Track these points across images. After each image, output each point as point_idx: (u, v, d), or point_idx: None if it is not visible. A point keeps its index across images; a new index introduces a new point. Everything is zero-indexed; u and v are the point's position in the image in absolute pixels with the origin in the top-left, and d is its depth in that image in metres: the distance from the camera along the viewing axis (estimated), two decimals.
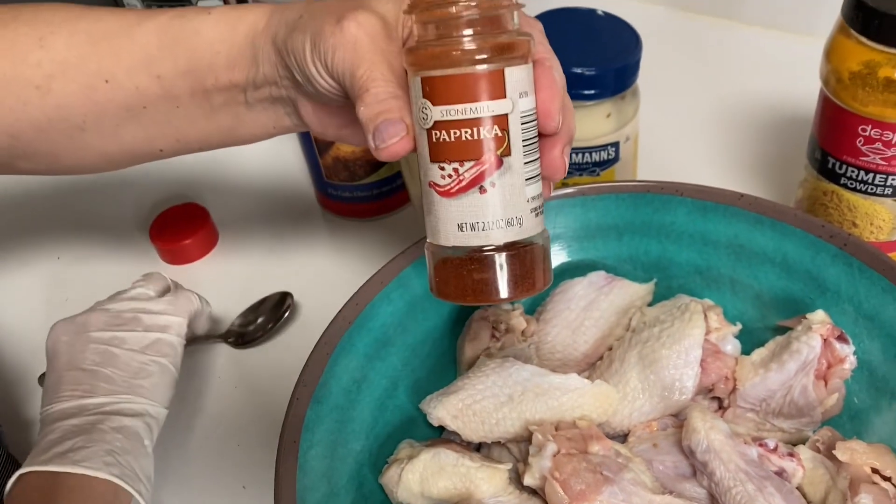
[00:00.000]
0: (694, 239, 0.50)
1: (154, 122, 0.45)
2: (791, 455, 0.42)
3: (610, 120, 0.55)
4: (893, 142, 0.46)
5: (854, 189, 0.50)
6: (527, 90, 0.35)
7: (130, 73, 0.43)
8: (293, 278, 0.63)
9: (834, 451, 0.40)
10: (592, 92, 0.53)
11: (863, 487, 0.38)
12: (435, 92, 0.34)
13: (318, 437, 0.43)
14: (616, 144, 0.57)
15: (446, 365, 0.50)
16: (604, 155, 0.57)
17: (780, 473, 0.41)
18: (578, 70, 0.53)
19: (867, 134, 0.47)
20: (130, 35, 0.43)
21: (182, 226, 0.66)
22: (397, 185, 0.66)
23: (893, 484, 0.39)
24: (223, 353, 0.60)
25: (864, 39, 0.45)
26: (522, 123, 0.35)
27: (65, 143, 0.45)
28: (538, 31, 0.39)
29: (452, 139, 0.35)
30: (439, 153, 0.35)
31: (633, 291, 0.51)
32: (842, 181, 0.50)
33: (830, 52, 0.47)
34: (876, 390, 0.45)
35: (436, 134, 0.35)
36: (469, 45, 0.34)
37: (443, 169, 0.35)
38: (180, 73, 0.43)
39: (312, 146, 0.63)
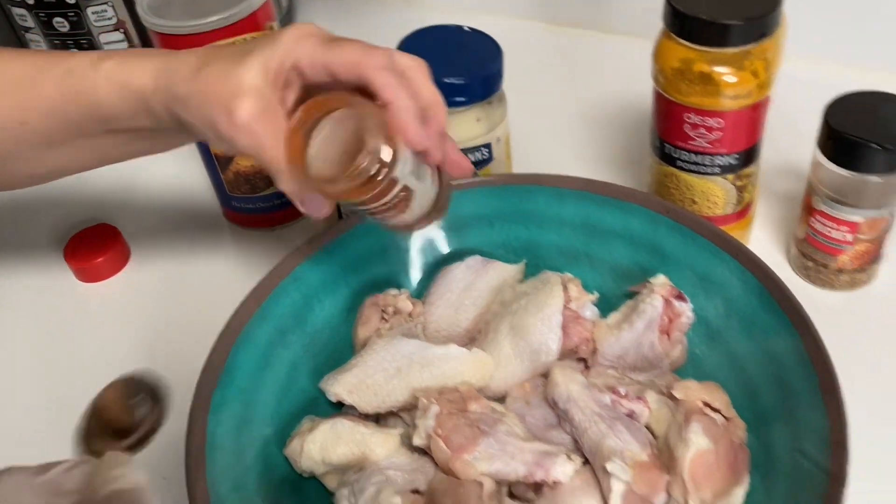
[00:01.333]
0: (554, 222, 0.57)
1: (75, 150, 0.49)
2: (639, 398, 0.48)
3: (480, 124, 0.62)
4: (713, 126, 0.54)
5: (688, 170, 0.57)
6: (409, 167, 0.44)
7: (42, 118, 0.47)
8: (203, 288, 0.68)
9: (672, 391, 0.47)
10: (462, 99, 0.59)
11: (693, 417, 0.45)
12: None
13: (225, 418, 0.47)
14: (489, 145, 0.63)
15: (344, 349, 0.55)
16: (478, 155, 0.63)
17: (631, 415, 0.48)
18: (448, 80, 0.59)
19: (692, 121, 0.54)
20: (34, 86, 0.47)
21: (95, 245, 0.70)
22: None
23: (722, 414, 0.46)
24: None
25: (680, 40, 0.52)
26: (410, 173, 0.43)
27: None
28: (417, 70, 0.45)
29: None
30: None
31: (506, 272, 0.57)
32: (678, 164, 0.57)
33: (656, 53, 0.55)
34: (712, 341, 0.52)
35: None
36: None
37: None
38: (88, 119, 0.47)
39: (214, 163, 0.68)
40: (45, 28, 0.78)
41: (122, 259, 0.71)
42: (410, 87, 0.44)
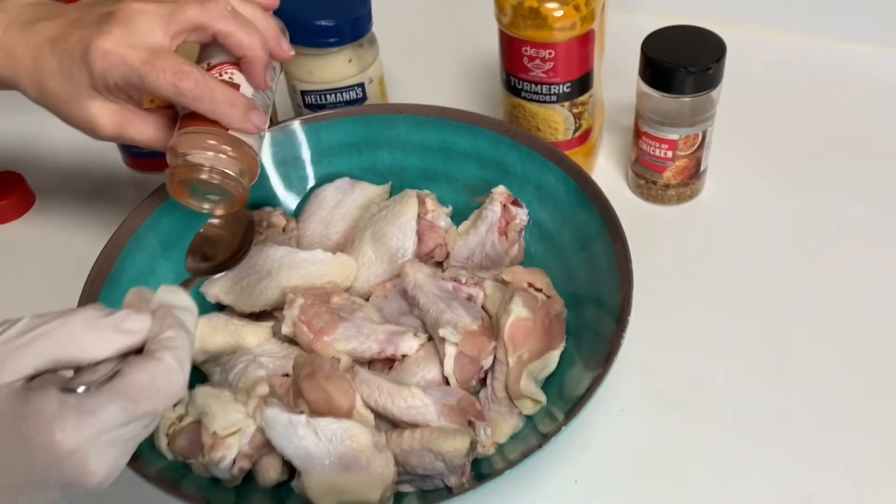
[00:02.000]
0: (415, 147, 0.64)
1: None
2: (477, 284, 0.56)
3: (352, 64, 0.68)
4: (546, 58, 0.62)
5: (531, 100, 0.65)
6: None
7: None
8: (105, 229, 0.73)
9: (503, 275, 0.55)
10: (333, 40, 0.66)
11: (516, 293, 0.53)
12: None
13: None
14: (361, 85, 0.70)
15: None
16: (352, 94, 0.70)
17: (469, 298, 0.56)
18: (319, 22, 0.65)
19: (528, 54, 0.62)
20: None
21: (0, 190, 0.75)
22: None
23: (544, 293, 0.54)
24: None
25: None
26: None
27: None
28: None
29: None
30: None
31: (372, 191, 0.64)
32: (522, 94, 0.65)
33: None
34: (544, 240, 0.60)
35: None
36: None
37: None
38: None
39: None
40: None
41: (26, 204, 0.76)
42: (247, 22, 0.49)
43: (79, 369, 0.36)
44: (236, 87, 0.49)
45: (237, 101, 0.48)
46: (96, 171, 0.79)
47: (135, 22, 0.47)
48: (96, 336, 0.36)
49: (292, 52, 0.53)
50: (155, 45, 0.47)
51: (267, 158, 0.63)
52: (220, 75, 0.50)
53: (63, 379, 0.35)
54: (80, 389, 0.34)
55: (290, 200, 0.65)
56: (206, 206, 0.50)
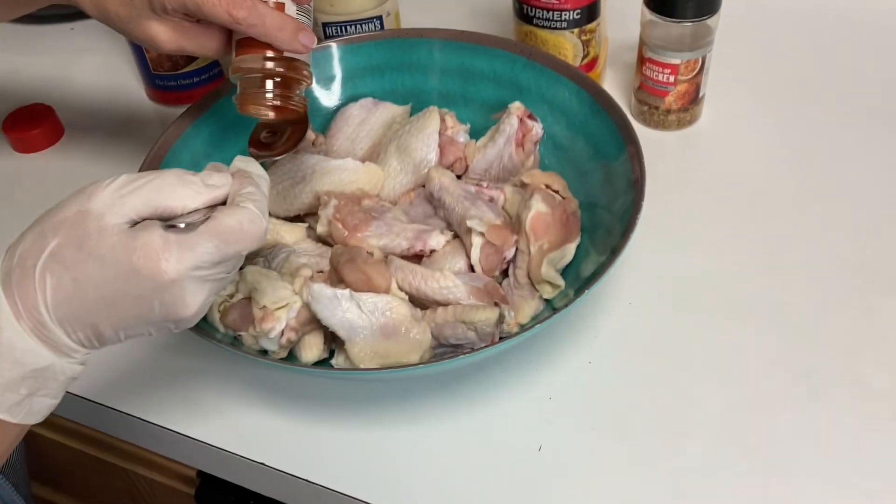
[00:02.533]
0: (435, 70, 0.68)
1: None
2: (498, 188, 0.60)
3: None
4: None
5: (542, 27, 0.69)
6: None
7: None
8: (130, 158, 0.77)
9: (522, 178, 0.59)
10: None
11: (535, 191, 0.57)
12: None
13: None
14: (380, 18, 0.74)
15: None
16: (371, 27, 0.74)
17: (491, 199, 0.60)
18: None
19: None
20: None
21: (31, 120, 0.78)
22: (215, 72, 0.80)
23: (560, 194, 0.59)
24: None
25: None
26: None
27: None
28: None
29: None
30: None
31: (394, 111, 0.68)
32: (534, 21, 0.69)
33: None
34: (558, 151, 0.64)
35: None
36: None
37: None
38: None
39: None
40: None
41: (55, 135, 0.80)
42: None
43: (172, 220, 0.40)
44: (282, 6, 0.53)
45: (286, 25, 0.51)
46: (122, 104, 0.83)
47: None
48: (187, 188, 0.40)
49: None
50: None
51: None
52: None
53: (163, 222, 0.39)
54: (181, 225, 0.39)
55: (316, 117, 0.68)
56: (271, 114, 0.53)
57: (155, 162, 0.59)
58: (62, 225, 0.38)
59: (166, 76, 0.79)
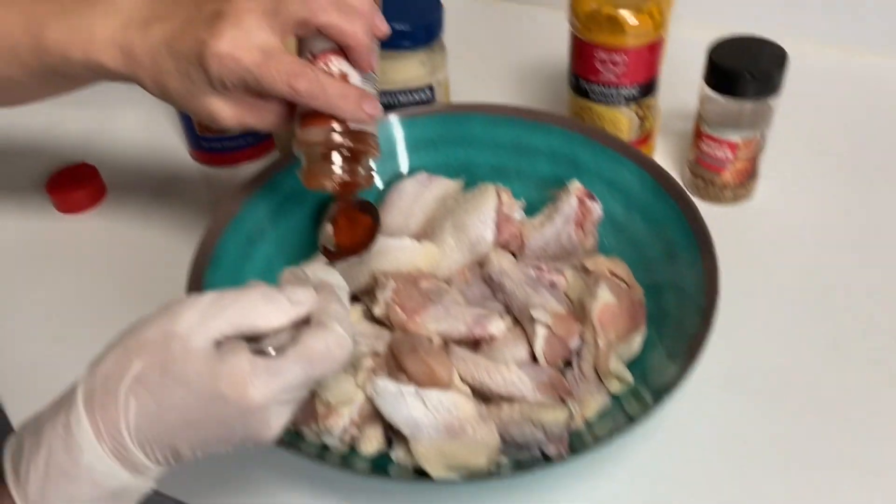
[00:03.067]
0: (488, 144, 0.67)
1: (31, 91, 0.58)
2: (559, 272, 0.59)
3: (424, 66, 0.71)
4: (618, 62, 0.65)
5: (599, 101, 0.69)
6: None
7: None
8: (173, 219, 0.76)
9: (585, 264, 0.58)
10: (408, 43, 0.70)
11: (601, 279, 0.56)
12: None
13: None
14: (431, 87, 0.73)
15: (311, 246, 0.64)
16: (422, 96, 0.73)
17: (552, 284, 0.59)
18: (396, 26, 0.69)
19: (600, 57, 0.66)
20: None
21: (75, 180, 0.78)
22: (261, 134, 0.80)
23: (625, 281, 0.57)
24: None
25: None
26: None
27: None
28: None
29: None
30: None
31: (448, 185, 0.67)
32: (590, 96, 0.69)
33: (572, 1, 0.66)
34: (618, 232, 0.63)
35: None
36: None
37: None
38: (51, 74, 0.55)
39: None
40: None
41: (99, 193, 0.79)
42: (347, 9, 0.51)
43: (256, 338, 0.39)
44: (345, 76, 0.52)
45: (349, 94, 0.50)
46: (165, 163, 0.82)
47: (244, 21, 0.49)
48: (273, 306, 0.39)
49: (388, 29, 0.54)
50: (266, 44, 0.49)
51: None
52: (328, 66, 0.52)
53: (249, 344, 0.38)
54: (271, 351, 0.38)
55: (369, 190, 0.67)
56: (337, 188, 0.52)
57: (212, 238, 0.58)
58: (146, 347, 0.37)
59: (212, 138, 0.79)
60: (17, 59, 0.54)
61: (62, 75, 0.54)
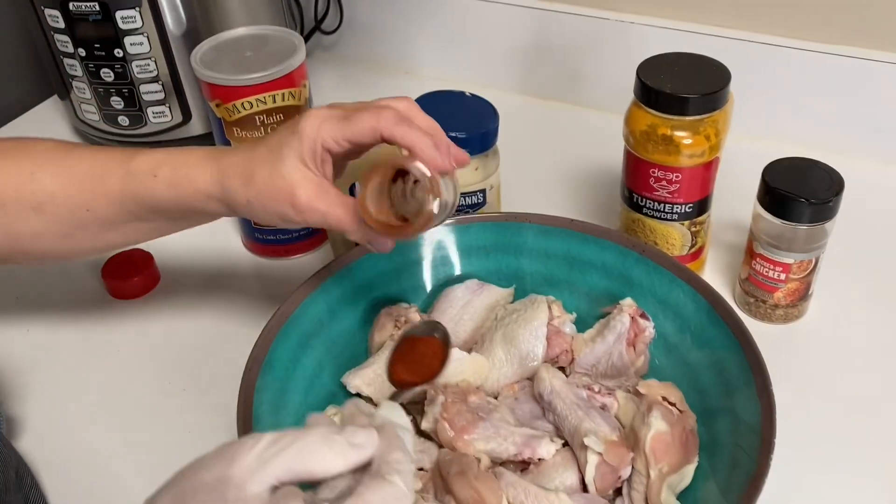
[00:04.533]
0: (540, 254, 0.68)
1: (131, 231, 0.59)
2: (610, 394, 0.59)
3: (478, 172, 0.73)
4: (673, 180, 0.66)
5: (652, 216, 0.69)
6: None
7: (106, 207, 0.57)
8: (226, 309, 0.77)
9: (638, 387, 0.58)
10: (465, 150, 0.71)
11: (654, 406, 0.55)
12: None
13: (266, 399, 0.56)
14: (483, 191, 0.74)
15: (359, 353, 0.65)
16: (474, 199, 0.74)
17: (603, 407, 0.58)
18: (452, 134, 0.70)
19: (655, 175, 0.66)
20: (101, 181, 0.56)
21: (130, 266, 0.79)
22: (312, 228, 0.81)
23: (677, 408, 0.57)
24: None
25: (647, 108, 0.65)
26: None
27: (56, 244, 0.59)
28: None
29: None
30: None
31: (498, 293, 0.67)
32: (643, 211, 0.69)
33: (628, 119, 0.67)
34: (669, 352, 0.62)
35: None
36: None
37: None
38: (146, 211, 0.57)
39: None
40: (92, 77, 0.89)
41: (153, 280, 0.80)
42: (414, 123, 0.53)
43: (313, 484, 0.39)
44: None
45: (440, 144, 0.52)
46: (218, 252, 0.84)
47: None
48: (331, 451, 0.39)
49: (464, 156, 0.56)
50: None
51: (408, 256, 0.68)
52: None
53: (304, 494, 0.38)
54: None
55: (420, 295, 0.68)
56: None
57: (265, 342, 0.59)
58: (201, 490, 0.37)
59: (266, 230, 0.80)
60: (103, 186, 0.56)
61: (149, 208, 0.57)
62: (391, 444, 0.40)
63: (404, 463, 0.40)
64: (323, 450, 0.38)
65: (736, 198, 0.76)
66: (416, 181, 0.51)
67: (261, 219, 0.55)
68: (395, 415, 0.44)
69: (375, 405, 0.60)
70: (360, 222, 0.52)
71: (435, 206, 0.50)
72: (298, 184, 0.52)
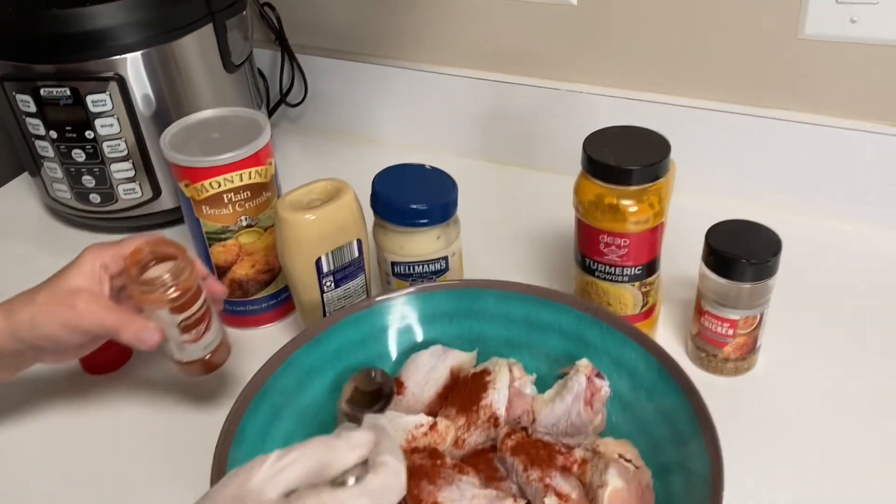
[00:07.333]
0: (500, 318, 0.71)
1: None
2: (570, 452, 0.61)
3: (439, 240, 0.76)
4: (621, 245, 0.70)
5: (604, 279, 0.73)
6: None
7: None
8: (197, 381, 0.79)
9: (595, 446, 0.60)
10: (425, 221, 0.74)
11: (611, 464, 0.58)
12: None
13: None
14: (446, 258, 0.77)
15: (329, 421, 0.67)
16: (437, 266, 0.77)
17: (563, 468, 0.61)
18: (414, 206, 0.74)
19: (605, 241, 0.70)
20: None
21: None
22: (285, 296, 0.84)
23: (633, 464, 0.60)
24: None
25: (593, 179, 0.69)
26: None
27: None
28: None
29: None
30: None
31: (462, 358, 0.70)
32: (595, 274, 0.73)
33: (577, 189, 0.71)
34: (625, 410, 0.65)
35: None
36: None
37: None
38: None
39: (213, 272, 0.80)
40: (63, 158, 0.91)
41: (125, 355, 0.82)
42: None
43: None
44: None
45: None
46: None
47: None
48: (335, 452, 0.47)
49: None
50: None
51: (374, 325, 0.71)
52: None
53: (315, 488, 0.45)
54: (351, 481, 0.46)
55: (387, 362, 0.71)
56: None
57: (244, 404, 0.61)
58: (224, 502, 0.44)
59: (235, 301, 0.82)
60: None
61: None
62: (381, 437, 0.48)
63: (395, 448, 0.48)
64: (327, 453, 0.46)
65: (685, 255, 0.80)
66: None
67: (42, 333, 0.62)
68: (380, 420, 0.51)
69: None
70: (131, 326, 0.62)
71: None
72: (80, 290, 0.62)
